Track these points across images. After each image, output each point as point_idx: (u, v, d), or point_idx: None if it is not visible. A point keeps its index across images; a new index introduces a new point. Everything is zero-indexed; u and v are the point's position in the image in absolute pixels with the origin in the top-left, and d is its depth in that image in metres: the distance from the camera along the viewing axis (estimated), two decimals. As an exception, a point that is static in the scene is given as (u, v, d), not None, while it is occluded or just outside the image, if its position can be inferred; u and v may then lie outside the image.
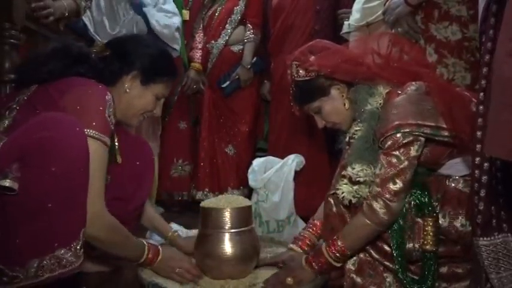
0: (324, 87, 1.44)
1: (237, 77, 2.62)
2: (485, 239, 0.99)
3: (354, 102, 1.43)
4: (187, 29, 2.66)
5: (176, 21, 2.24)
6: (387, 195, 1.27)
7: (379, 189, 1.28)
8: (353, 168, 1.34)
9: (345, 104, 1.45)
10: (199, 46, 2.70)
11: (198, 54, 2.69)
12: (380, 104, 1.38)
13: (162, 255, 1.40)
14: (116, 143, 1.43)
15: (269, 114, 2.73)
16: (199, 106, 2.76)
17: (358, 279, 1.36)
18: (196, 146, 2.71)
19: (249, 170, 2.11)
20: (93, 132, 1.19)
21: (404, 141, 1.27)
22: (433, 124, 1.28)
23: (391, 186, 1.27)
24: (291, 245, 1.54)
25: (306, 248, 1.51)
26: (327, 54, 1.44)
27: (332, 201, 1.43)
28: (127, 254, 1.36)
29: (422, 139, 1.29)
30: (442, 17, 1.71)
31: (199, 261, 1.44)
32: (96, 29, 2.08)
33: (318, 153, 2.40)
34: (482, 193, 0.99)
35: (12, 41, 1.59)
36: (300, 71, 1.45)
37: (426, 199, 1.31)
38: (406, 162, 1.27)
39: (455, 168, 1.37)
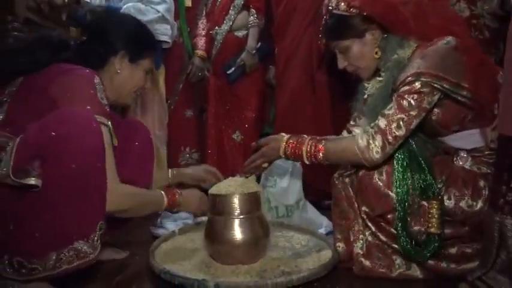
0: (360, 29, 1.39)
1: (242, 62, 2.60)
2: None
3: (382, 51, 1.39)
4: (190, 16, 2.63)
5: (161, 9, 2.20)
6: (389, 137, 1.27)
7: (383, 127, 1.28)
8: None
9: (376, 52, 1.41)
10: (203, 33, 2.68)
11: (202, 41, 2.66)
12: (408, 55, 1.35)
13: (180, 193, 1.49)
14: (111, 126, 1.42)
15: (275, 99, 2.72)
16: (205, 94, 2.75)
17: (367, 263, 1.37)
18: (204, 133, 2.71)
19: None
20: None
21: (420, 90, 1.25)
22: (453, 80, 1.25)
23: (394, 129, 1.27)
24: None
25: None
26: None
27: (340, 185, 1.43)
28: (150, 210, 1.44)
29: (438, 94, 1.27)
30: None
31: (209, 248, 1.45)
32: None
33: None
34: None
35: (15, 33, 1.59)
36: (341, 4, 1.39)
37: (431, 182, 1.30)
38: (416, 110, 1.26)
39: (465, 140, 1.35)
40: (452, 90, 1.26)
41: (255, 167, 1.49)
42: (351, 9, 1.37)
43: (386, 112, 1.29)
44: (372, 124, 1.31)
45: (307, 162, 1.40)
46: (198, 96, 2.76)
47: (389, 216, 1.33)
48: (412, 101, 1.26)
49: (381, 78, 1.38)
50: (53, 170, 1.10)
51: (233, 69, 2.62)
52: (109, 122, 1.27)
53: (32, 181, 1.08)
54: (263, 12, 2.61)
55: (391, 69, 1.35)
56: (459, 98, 1.28)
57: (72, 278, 1.20)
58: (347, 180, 1.41)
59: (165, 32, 2.21)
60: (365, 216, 1.36)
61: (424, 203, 1.29)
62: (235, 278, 1.33)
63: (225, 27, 2.62)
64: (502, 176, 1.00)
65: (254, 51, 2.59)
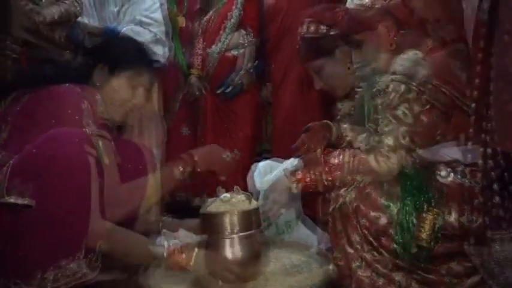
0: (330, 47, 1.46)
1: (239, 81, 2.62)
2: (496, 232, 0.99)
3: (355, 64, 1.40)
4: (184, 36, 2.65)
5: (158, 31, 2.24)
6: (400, 151, 1.29)
7: (392, 144, 1.28)
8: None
9: (349, 68, 1.44)
10: (200, 52, 2.69)
11: (198, 60, 2.68)
12: (382, 66, 1.35)
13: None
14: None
15: (271, 116, 2.72)
16: (202, 112, 2.75)
17: (366, 280, 1.34)
18: (200, 151, 2.70)
19: (254, 173, 2.09)
20: None
21: (402, 93, 1.25)
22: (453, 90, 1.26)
23: (402, 142, 1.28)
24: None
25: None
26: (334, 11, 1.43)
27: (340, 200, 1.41)
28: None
29: (419, 96, 1.26)
30: None
31: (207, 266, 1.43)
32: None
33: (323, 152, 2.38)
34: (495, 186, 0.99)
35: (8, 52, 1.61)
36: (311, 28, 1.46)
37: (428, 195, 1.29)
38: (411, 118, 1.27)
39: (439, 155, 1.35)
40: (422, 91, 1.26)
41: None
42: (320, 31, 1.43)
43: (387, 129, 1.29)
44: (380, 144, 1.31)
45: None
46: (194, 115, 2.75)
47: (390, 230, 1.31)
48: (404, 111, 1.26)
49: (353, 102, 1.43)
50: (42, 190, 1.12)
51: (230, 88, 2.63)
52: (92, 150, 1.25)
53: (26, 201, 1.10)
54: (258, 30, 2.64)
55: (368, 78, 1.37)
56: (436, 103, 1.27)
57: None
58: (347, 197, 1.39)
59: (157, 51, 2.24)
60: (366, 232, 1.34)
61: (422, 214, 1.27)
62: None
63: (220, 45, 2.64)
64: (487, 193, 1.01)
65: (251, 70, 2.60)
